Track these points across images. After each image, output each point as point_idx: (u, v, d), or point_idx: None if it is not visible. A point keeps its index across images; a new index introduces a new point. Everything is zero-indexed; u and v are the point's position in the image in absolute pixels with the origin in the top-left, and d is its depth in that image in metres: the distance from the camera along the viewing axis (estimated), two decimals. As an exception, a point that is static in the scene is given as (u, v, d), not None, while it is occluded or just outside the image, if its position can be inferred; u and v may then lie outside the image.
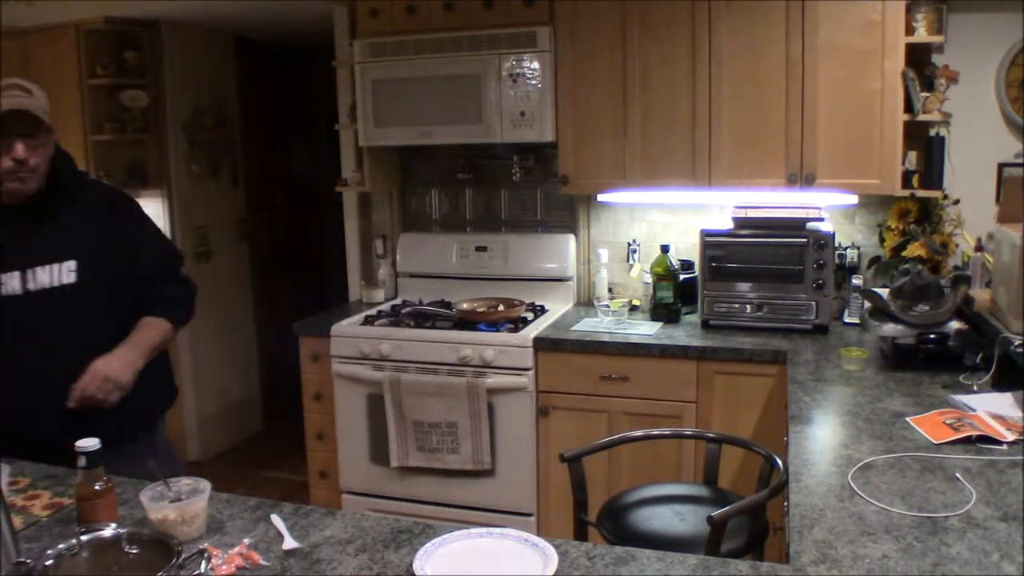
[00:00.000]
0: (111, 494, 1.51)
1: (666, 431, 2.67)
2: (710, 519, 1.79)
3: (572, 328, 3.21)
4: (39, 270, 1.96)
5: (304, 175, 5.53)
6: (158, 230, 2.25)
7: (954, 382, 2.33)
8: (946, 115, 2.97)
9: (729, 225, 3.19)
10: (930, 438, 1.90)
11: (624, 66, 3.16)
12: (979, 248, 2.85)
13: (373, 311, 3.51)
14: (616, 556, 1.40)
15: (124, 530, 1.42)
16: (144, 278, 2.11)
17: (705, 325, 3.19)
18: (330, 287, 4.94)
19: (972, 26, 3.05)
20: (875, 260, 3.21)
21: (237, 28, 4.74)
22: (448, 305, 3.50)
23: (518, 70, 3.22)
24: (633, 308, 3.43)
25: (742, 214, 3.16)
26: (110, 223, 2.08)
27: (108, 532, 1.41)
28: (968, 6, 3.03)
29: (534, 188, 3.73)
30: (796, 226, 3.08)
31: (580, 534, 2.16)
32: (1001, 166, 3.11)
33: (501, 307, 3.38)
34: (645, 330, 3.15)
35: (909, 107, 2.90)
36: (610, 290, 3.56)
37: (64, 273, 1.98)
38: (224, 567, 1.38)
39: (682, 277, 3.34)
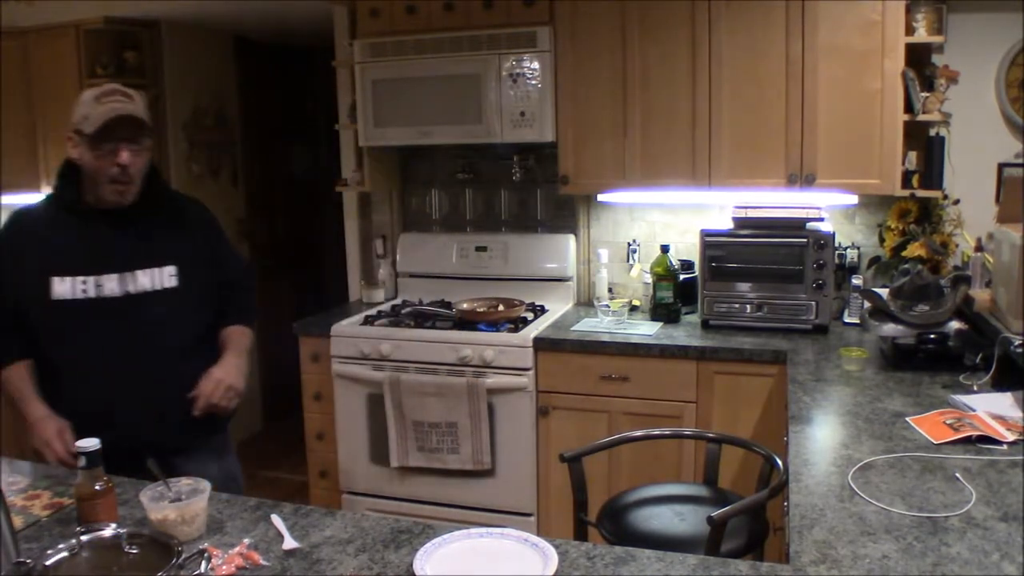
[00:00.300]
0: (111, 494, 1.51)
1: (666, 431, 2.67)
2: (710, 519, 1.79)
3: (572, 328, 3.21)
4: (139, 273, 2.00)
5: (304, 175, 5.53)
6: (229, 239, 2.35)
7: (954, 382, 2.32)
8: (946, 115, 2.97)
9: (729, 225, 3.19)
10: (930, 438, 1.90)
11: (624, 66, 3.16)
12: (979, 248, 2.85)
13: (373, 311, 3.51)
14: (616, 556, 1.40)
15: (124, 530, 1.42)
16: (225, 285, 2.18)
17: (705, 325, 3.19)
18: (330, 287, 4.94)
19: (972, 26, 3.05)
20: (875, 260, 3.21)
21: (237, 28, 4.74)
22: (448, 305, 3.50)
23: (518, 70, 3.22)
24: (633, 308, 3.43)
25: (742, 214, 3.16)
26: (197, 232, 2.16)
27: (108, 532, 1.41)
28: (968, 6, 3.03)
29: (534, 188, 3.73)
30: (796, 226, 3.08)
31: (580, 534, 2.16)
32: (1001, 166, 3.11)
33: (501, 307, 3.38)
34: (645, 330, 3.15)
35: (909, 107, 2.90)
36: (610, 290, 3.56)
37: (165, 277, 2.03)
38: (224, 567, 1.38)
39: (682, 277, 3.34)
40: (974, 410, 2.03)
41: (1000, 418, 1.95)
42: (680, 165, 3.15)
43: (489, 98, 3.26)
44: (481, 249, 3.69)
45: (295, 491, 3.93)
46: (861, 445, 1.89)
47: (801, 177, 3.01)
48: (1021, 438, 1.85)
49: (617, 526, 2.04)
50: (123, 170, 1.92)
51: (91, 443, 1.48)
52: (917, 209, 3.06)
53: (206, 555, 1.35)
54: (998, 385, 2.23)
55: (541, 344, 3.10)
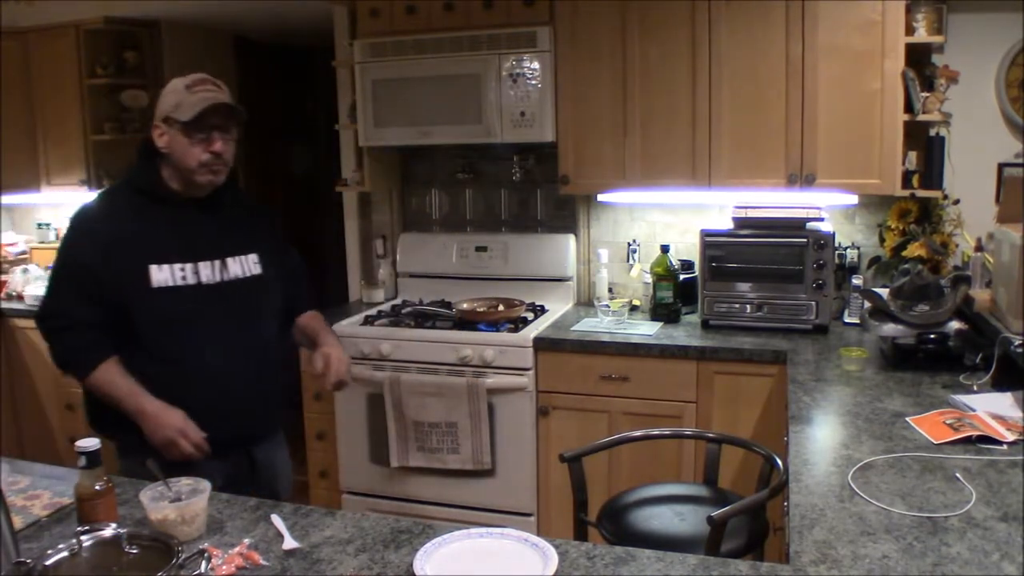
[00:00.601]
0: (111, 494, 1.51)
1: (666, 431, 2.66)
2: (710, 519, 1.79)
3: (572, 328, 3.21)
4: (230, 260, 2.02)
5: (304, 175, 5.53)
6: None
7: (954, 382, 2.32)
8: (946, 115, 2.96)
9: (729, 225, 3.19)
10: (930, 438, 1.90)
11: (624, 66, 3.16)
12: (979, 248, 2.85)
13: (373, 311, 3.51)
14: (616, 556, 1.40)
15: (124, 530, 1.42)
16: (289, 274, 2.21)
17: (705, 325, 3.19)
18: (330, 287, 4.94)
19: (972, 26, 3.05)
20: (875, 260, 3.21)
21: (237, 28, 4.74)
22: (448, 305, 3.50)
23: (518, 70, 3.22)
24: (633, 308, 3.43)
25: (742, 214, 3.16)
26: (264, 221, 2.20)
27: (108, 532, 1.41)
28: (968, 6, 3.03)
29: (534, 188, 3.73)
30: (796, 226, 3.08)
31: (580, 534, 2.16)
32: (1001, 166, 3.11)
33: (501, 307, 3.38)
34: (645, 330, 3.15)
35: (909, 107, 2.90)
36: (610, 290, 3.56)
37: (251, 265, 2.06)
38: (224, 567, 1.38)
39: (682, 277, 3.34)
40: (974, 410, 2.03)
41: (1000, 418, 1.95)
42: (680, 165, 3.15)
43: (489, 98, 3.26)
44: (481, 249, 3.69)
45: (295, 491, 3.91)
46: (861, 445, 1.89)
47: (801, 177, 3.01)
48: (1021, 438, 1.85)
49: (617, 526, 2.04)
50: (217, 157, 1.95)
51: (91, 443, 1.48)
52: (917, 209, 3.06)
53: (206, 555, 1.35)
54: (998, 385, 2.23)
55: (541, 344, 3.10)
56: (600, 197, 3.46)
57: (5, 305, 4.11)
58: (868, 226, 3.29)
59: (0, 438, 3.87)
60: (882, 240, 3.16)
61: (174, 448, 1.86)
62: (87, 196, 4.29)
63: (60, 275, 1.96)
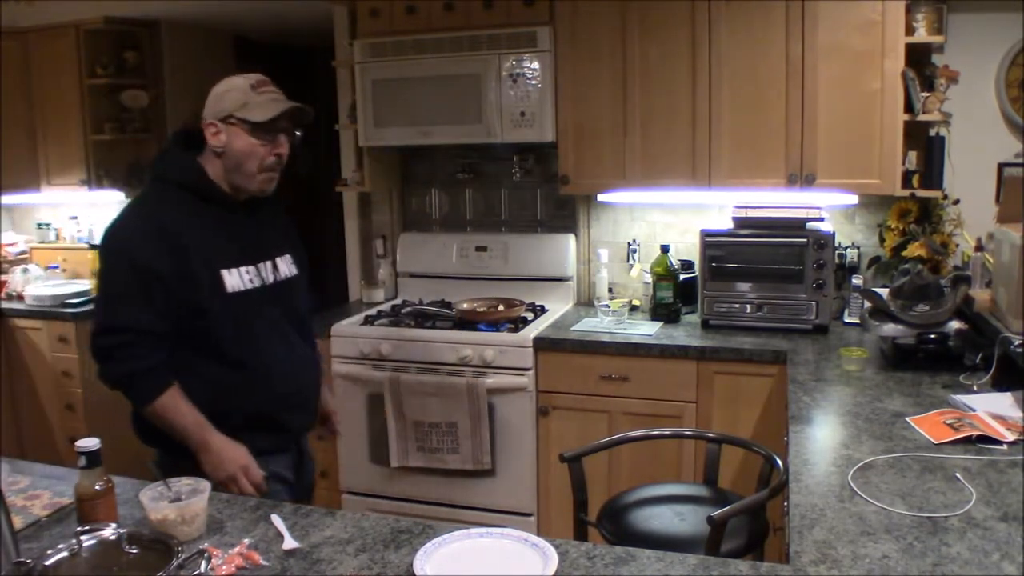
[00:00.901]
0: (111, 494, 1.51)
1: (666, 431, 2.66)
2: (710, 519, 1.79)
3: (572, 328, 3.21)
4: (279, 261, 2.02)
5: (304, 175, 5.52)
6: None
7: (954, 382, 2.32)
8: (946, 115, 2.97)
9: (729, 225, 3.19)
10: (930, 438, 1.90)
11: (624, 66, 3.16)
12: (979, 248, 2.85)
13: (373, 311, 3.51)
14: (616, 556, 1.40)
15: (124, 530, 1.42)
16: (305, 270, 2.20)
17: (705, 325, 3.19)
18: (330, 287, 4.94)
19: (972, 26, 3.05)
20: (875, 260, 3.21)
21: (237, 28, 4.74)
22: (448, 305, 3.50)
23: (518, 70, 3.22)
24: (633, 308, 3.43)
25: (742, 214, 3.16)
26: (286, 220, 2.16)
27: (108, 532, 1.41)
28: (968, 6, 3.03)
29: (534, 188, 3.73)
30: (796, 226, 3.08)
31: (580, 534, 2.16)
32: (1001, 166, 3.11)
33: (501, 307, 3.38)
34: (645, 330, 3.15)
35: (909, 107, 2.90)
36: (610, 290, 3.56)
37: (291, 265, 2.06)
38: (224, 567, 1.38)
39: (682, 277, 3.34)
40: (974, 410, 2.03)
41: (1000, 418, 1.95)
42: (680, 165, 3.15)
43: (489, 98, 3.26)
44: (481, 249, 3.69)
45: (295, 491, 3.92)
46: (861, 445, 1.89)
47: (801, 177, 3.01)
48: (1021, 438, 1.85)
49: (617, 526, 2.04)
50: (279, 159, 1.93)
51: (91, 443, 1.48)
52: (917, 209, 3.06)
53: (206, 555, 1.35)
54: (998, 385, 2.23)
55: (541, 344, 3.10)
56: (600, 197, 3.46)
57: (5, 305, 4.11)
58: (868, 226, 3.29)
59: (0, 438, 3.87)
60: (882, 240, 3.16)
61: (233, 485, 1.83)
62: (87, 196, 4.31)
63: (122, 283, 1.80)
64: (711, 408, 2.95)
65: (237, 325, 1.88)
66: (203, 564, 1.34)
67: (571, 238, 3.62)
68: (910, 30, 2.88)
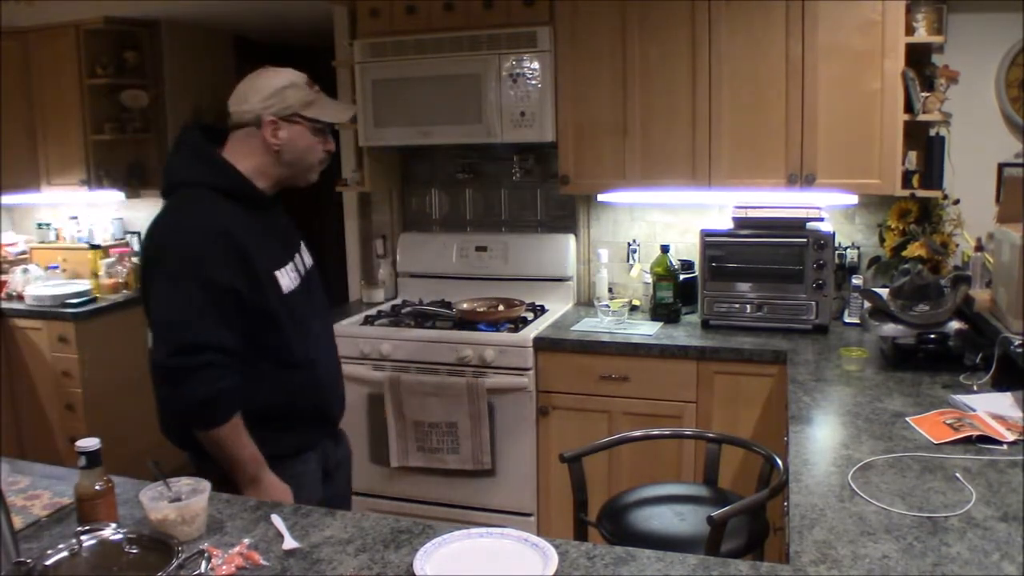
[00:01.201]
0: (111, 494, 1.51)
1: (666, 431, 2.66)
2: (710, 519, 1.79)
3: (572, 328, 3.21)
4: (304, 254, 2.03)
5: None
6: None
7: (954, 382, 2.33)
8: (946, 115, 2.96)
9: (729, 225, 3.19)
10: (930, 438, 1.90)
11: (624, 66, 3.16)
12: (979, 248, 2.85)
13: (373, 311, 3.51)
14: (616, 556, 1.40)
15: (124, 530, 1.42)
16: None
17: (705, 325, 3.19)
18: (330, 287, 4.94)
19: (972, 26, 3.05)
20: (875, 260, 3.21)
21: (237, 28, 4.74)
22: (448, 305, 3.50)
23: (518, 70, 3.22)
24: (633, 308, 3.43)
25: (742, 214, 3.16)
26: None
27: (108, 532, 1.41)
28: (968, 6, 3.03)
29: (534, 188, 3.73)
30: (796, 226, 3.08)
31: (580, 534, 2.16)
32: (1001, 166, 3.11)
33: (501, 307, 3.38)
34: (645, 330, 3.15)
35: (909, 107, 2.90)
36: (610, 290, 3.56)
37: (308, 256, 2.06)
38: (224, 567, 1.38)
39: (682, 277, 3.34)
40: (974, 410, 2.03)
41: (1000, 418, 1.95)
42: (680, 165, 3.15)
43: (489, 98, 3.26)
44: (481, 249, 3.69)
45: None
46: (861, 445, 1.89)
47: (801, 177, 3.01)
48: (1021, 438, 1.85)
49: (617, 526, 2.04)
50: (329, 155, 1.95)
51: (91, 443, 1.48)
52: (917, 209, 3.06)
53: (206, 555, 1.35)
54: (998, 385, 2.23)
55: (541, 344, 3.10)
56: (600, 197, 3.46)
57: (5, 305, 4.11)
58: (868, 226, 3.29)
59: (0, 438, 3.87)
60: (882, 240, 3.17)
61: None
62: (87, 196, 4.32)
63: (197, 298, 1.70)
64: (711, 408, 2.95)
65: (295, 324, 1.86)
66: (203, 564, 1.34)
67: (571, 238, 3.62)
68: (910, 30, 2.88)
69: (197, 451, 1.84)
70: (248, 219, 1.81)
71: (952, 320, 2.51)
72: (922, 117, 2.90)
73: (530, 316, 3.36)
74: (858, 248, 3.29)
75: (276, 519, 1.57)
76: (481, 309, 3.38)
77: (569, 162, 3.31)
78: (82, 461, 1.47)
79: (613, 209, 3.59)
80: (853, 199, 3.13)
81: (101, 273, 4.22)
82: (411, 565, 1.37)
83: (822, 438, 2.00)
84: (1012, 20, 3.00)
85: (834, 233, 3.07)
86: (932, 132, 3.01)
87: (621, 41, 3.15)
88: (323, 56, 4.07)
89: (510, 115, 3.25)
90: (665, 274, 3.29)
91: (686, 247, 3.48)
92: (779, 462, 2.00)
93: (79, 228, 4.53)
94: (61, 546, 1.36)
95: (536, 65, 3.20)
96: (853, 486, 1.65)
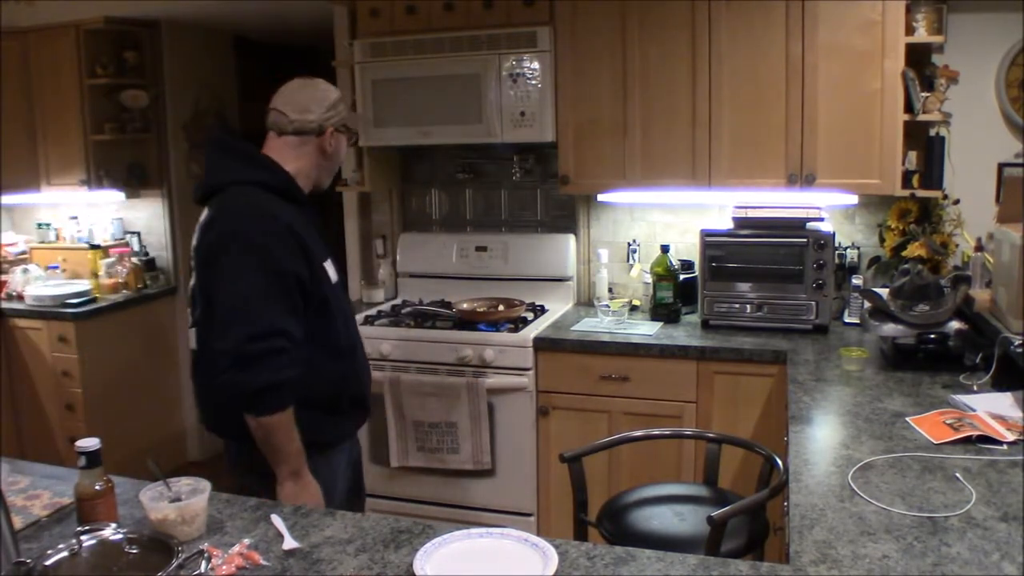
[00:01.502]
0: (111, 494, 1.51)
1: (666, 431, 2.67)
2: (710, 519, 1.79)
3: (572, 328, 3.21)
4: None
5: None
6: None
7: (954, 382, 2.33)
8: (946, 115, 2.97)
9: (729, 225, 3.19)
10: (930, 438, 1.90)
11: (624, 66, 3.16)
12: (979, 248, 2.85)
13: (373, 311, 3.51)
14: (616, 556, 1.40)
15: (124, 530, 1.42)
16: None
17: (705, 325, 3.19)
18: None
19: (972, 26, 3.05)
20: (875, 260, 3.21)
21: (237, 28, 4.74)
22: (448, 305, 3.50)
23: (518, 70, 3.22)
24: (633, 308, 3.43)
25: (742, 214, 3.16)
26: None
27: (108, 532, 1.41)
28: (968, 6, 3.03)
29: (534, 188, 3.73)
30: (796, 226, 3.08)
31: (580, 534, 2.16)
32: (1001, 166, 3.11)
33: (501, 307, 3.38)
34: (645, 330, 3.15)
35: (909, 107, 2.90)
36: (610, 290, 3.56)
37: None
38: (224, 567, 1.38)
39: (682, 277, 3.34)
40: (974, 410, 2.03)
41: (1000, 418, 1.95)
42: (680, 165, 3.15)
43: (489, 98, 3.26)
44: (481, 249, 3.69)
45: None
46: (861, 445, 1.89)
47: (801, 177, 3.01)
48: (1021, 438, 1.85)
49: (617, 526, 2.04)
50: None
51: (91, 443, 1.48)
52: (917, 209, 3.06)
53: (206, 555, 1.36)
54: (998, 385, 2.23)
55: (541, 344, 3.10)
56: (600, 197, 3.46)
57: (5, 305, 4.11)
58: (868, 226, 3.29)
59: (0, 438, 3.87)
60: (882, 240, 3.17)
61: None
62: (87, 196, 4.31)
63: (267, 286, 1.78)
64: (711, 408, 2.95)
65: (342, 312, 2.00)
66: (203, 564, 1.34)
67: (571, 238, 3.62)
68: (910, 30, 2.88)
69: (239, 442, 1.89)
70: (298, 215, 1.92)
71: (952, 320, 2.51)
72: (922, 117, 2.90)
73: (530, 316, 3.36)
74: (858, 248, 3.29)
75: (276, 519, 1.57)
76: (481, 309, 3.38)
77: (569, 162, 3.31)
78: (82, 461, 1.47)
79: (613, 209, 3.59)
80: (853, 199, 3.13)
81: (101, 273, 4.22)
82: (411, 565, 1.37)
83: (822, 438, 2.00)
84: (1012, 20, 3.00)
85: (834, 233, 3.07)
86: (932, 132, 3.01)
87: (621, 41, 3.15)
88: (323, 56, 4.07)
89: (510, 115, 3.25)
90: (665, 274, 3.29)
91: (686, 247, 3.48)
92: (779, 462, 2.00)
93: (79, 228, 4.53)
94: (61, 546, 1.36)
95: (536, 65, 3.20)
96: (853, 486, 1.65)
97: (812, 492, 1.64)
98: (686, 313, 3.34)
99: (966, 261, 2.96)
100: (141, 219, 4.51)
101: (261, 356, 1.74)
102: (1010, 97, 3.07)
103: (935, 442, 1.87)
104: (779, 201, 3.12)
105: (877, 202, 3.23)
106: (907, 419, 2.03)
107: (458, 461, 3.16)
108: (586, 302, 3.64)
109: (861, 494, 1.62)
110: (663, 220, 3.54)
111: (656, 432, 2.56)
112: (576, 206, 3.66)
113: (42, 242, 4.59)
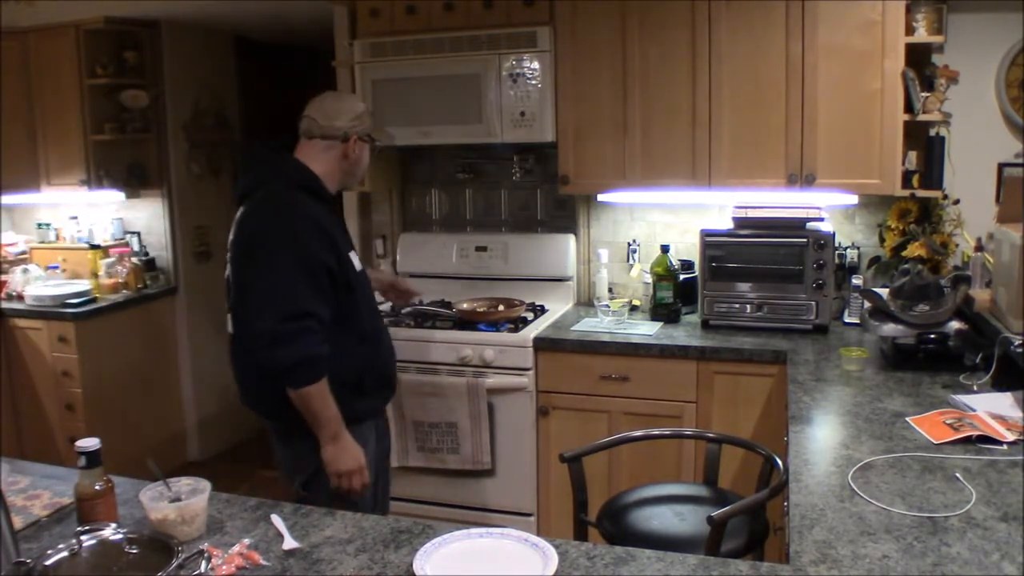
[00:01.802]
0: (111, 494, 1.51)
1: (666, 431, 2.67)
2: (710, 519, 1.79)
3: (572, 328, 3.21)
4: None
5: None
6: None
7: (954, 382, 2.33)
8: (946, 115, 2.97)
9: (729, 225, 3.19)
10: (930, 438, 1.90)
11: (624, 66, 3.16)
12: (979, 248, 2.85)
13: (373, 311, 3.51)
14: (616, 556, 1.40)
15: (124, 530, 1.42)
16: None
17: (705, 325, 3.19)
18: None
19: (972, 26, 3.05)
20: (875, 260, 3.21)
21: (237, 28, 4.74)
22: (448, 305, 3.50)
23: (518, 70, 3.22)
24: (633, 308, 3.43)
25: (742, 214, 3.16)
26: None
27: (108, 532, 1.41)
28: (968, 6, 3.03)
29: (534, 188, 3.73)
30: (796, 226, 3.08)
31: (580, 534, 2.16)
32: (1001, 166, 3.11)
33: (501, 307, 3.38)
34: (645, 330, 3.15)
35: (909, 107, 2.90)
36: (610, 290, 3.56)
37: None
38: (224, 567, 1.38)
39: (682, 277, 3.34)
40: (974, 410, 2.04)
41: (1000, 418, 1.95)
42: (680, 165, 3.15)
43: (489, 98, 3.26)
44: (481, 249, 3.69)
45: (294, 491, 3.92)
46: (861, 445, 1.89)
47: (801, 177, 3.01)
48: (1021, 438, 1.85)
49: (617, 526, 2.05)
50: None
51: (91, 443, 1.48)
52: (917, 209, 3.06)
53: (206, 555, 1.36)
54: (998, 385, 2.23)
55: (541, 344, 3.10)
56: (600, 197, 3.46)
57: (5, 305, 4.11)
58: (868, 226, 3.29)
59: (0, 438, 3.87)
60: (882, 240, 3.17)
61: (345, 480, 2.10)
62: (87, 196, 4.32)
63: (298, 273, 2.01)
64: (711, 408, 2.95)
65: (366, 300, 2.24)
66: (203, 564, 1.34)
67: (571, 238, 3.62)
68: (910, 30, 2.88)
69: (278, 419, 2.16)
70: (325, 211, 2.15)
71: (952, 320, 2.51)
72: (922, 117, 2.90)
73: (530, 316, 3.36)
74: (858, 248, 3.29)
75: (276, 519, 1.57)
76: (481, 309, 3.38)
77: (569, 162, 3.31)
78: (82, 461, 1.48)
79: (613, 209, 3.59)
80: (853, 199, 3.12)
81: (101, 273, 4.22)
82: (411, 565, 1.37)
83: (822, 438, 2.00)
84: (1012, 20, 3.00)
85: (834, 233, 3.07)
86: (932, 132, 3.01)
87: (621, 41, 3.15)
88: (323, 56, 4.07)
89: (510, 115, 3.25)
90: (665, 274, 3.29)
91: (686, 247, 3.48)
92: (779, 462, 2.00)
93: (79, 228, 4.53)
94: (61, 546, 1.36)
95: (536, 65, 3.20)
96: (853, 486, 1.65)
97: (812, 492, 1.64)
98: (686, 313, 3.34)
99: (966, 261, 2.96)
100: (141, 219, 4.51)
101: (295, 335, 1.98)
102: (1010, 97, 3.07)
103: (935, 442, 1.87)
104: (779, 201, 3.12)
105: (877, 202, 3.23)
106: (907, 419, 2.03)
107: (458, 461, 3.16)
108: (586, 302, 3.64)
109: (861, 494, 1.62)
110: (663, 220, 3.54)
111: (656, 432, 2.56)
112: (576, 206, 3.66)
113: (42, 242, 4.59)
